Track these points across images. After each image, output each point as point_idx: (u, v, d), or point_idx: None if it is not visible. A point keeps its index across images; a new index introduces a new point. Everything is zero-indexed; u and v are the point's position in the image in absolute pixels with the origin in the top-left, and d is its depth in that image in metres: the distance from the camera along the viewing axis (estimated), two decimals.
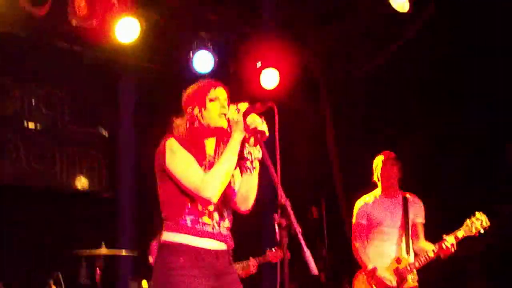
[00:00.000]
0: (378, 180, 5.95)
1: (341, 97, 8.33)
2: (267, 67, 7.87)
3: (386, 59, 7.73)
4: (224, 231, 3.35)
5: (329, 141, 8.47)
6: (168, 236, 3.26)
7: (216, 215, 3.31)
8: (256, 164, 3.34)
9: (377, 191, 5.96)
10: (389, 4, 6.66)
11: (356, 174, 7.79)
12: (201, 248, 3.22)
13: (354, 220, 5.93)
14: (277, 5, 7.05)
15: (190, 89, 3.51)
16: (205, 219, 3.26)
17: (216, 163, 3.24)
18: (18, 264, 6.76)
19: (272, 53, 7.79)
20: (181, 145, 3.28)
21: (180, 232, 3.23)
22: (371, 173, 6.05)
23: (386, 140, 7.48)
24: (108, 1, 6.61)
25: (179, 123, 3.44)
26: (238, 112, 3.20)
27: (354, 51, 7.89)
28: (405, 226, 5.71)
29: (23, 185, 7.23)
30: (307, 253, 2.70)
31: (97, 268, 5.57)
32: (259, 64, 7.92)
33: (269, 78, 7.88)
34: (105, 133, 7.99)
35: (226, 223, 3.39)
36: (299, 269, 2.90)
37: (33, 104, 7.52)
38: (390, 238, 5.74)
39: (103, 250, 5.57)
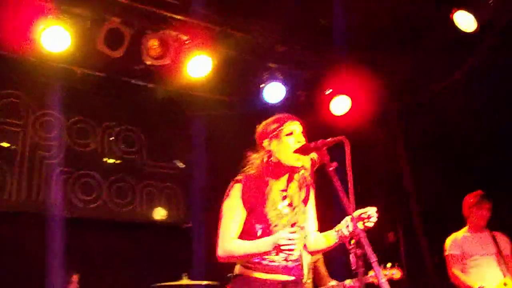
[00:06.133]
0: (467, 218, 6.22)
1: (413, 122, 8.23)
2: (338, 94, 7.90)
3: (457, 82, 7.60)
4: (291, 264, 3.47)
5: (402, 166, 8.38)
6: (239, 269, 3.49)
7: (282, 253, 3.35)
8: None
9: (465, 229, 6.24)
10: (457, 26, 6.58)
11: (431, 198, 7.69)
12: (267, 279, 3.41)
13: (446, 253, 6.17)
14: (346, 32, 7.06)
15: (265, 123, 3.62)
16: (272, 257, 3.41)
17: (247, 245, 3.35)
18: None
19: (342, 80, 7.81)
20: (245, 190, 3.42)
21: (248, 267, 3.43)
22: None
23: (460, 164, 7.36)
24: (180, 40, 6.83)
25: (255, 158, 3.56)
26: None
27: (425, 76, 7.80)
28: (499, 254, 5.98)
29: (105, 219, 7.51)
30: (383, 281, 2.79)
31: None
32: (328, 91, 7.95)
33: (340, 105, 7.91)
34: (181, 165, 8.19)
35: (294, 257, 3.48)
36: None
37: (112, 141, 7.83)
38: (485, 265, 5.96)
39: (185, 281, 5.68)
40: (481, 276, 5.88)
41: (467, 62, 7.39)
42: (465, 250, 6.04)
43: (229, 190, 3.48)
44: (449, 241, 6.21)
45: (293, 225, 3.48)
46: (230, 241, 3.37)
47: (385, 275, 5.43)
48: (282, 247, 3.09)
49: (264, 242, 3.24)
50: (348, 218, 3.32)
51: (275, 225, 3.42)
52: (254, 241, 3.34)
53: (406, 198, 8.34)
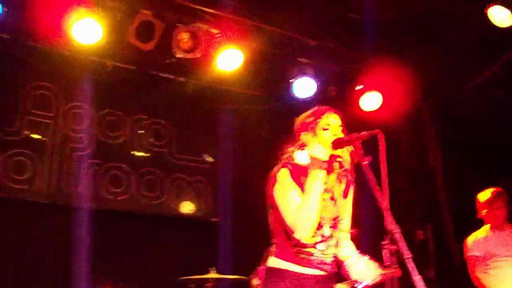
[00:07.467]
0: (485, 217, 5.90)
1: (445, 119, 8.12)
2: (369, 90, 7.82)
3: (490, 78, 7.46)
4: (328, 260, 3.40)
5: (433, 164, 8.27)
6: (274, 262, 3.40)
7: (321, 246, 3.35)
8: None
9: (486, 227, 5.91)
10: (491, 21, 6.47)
11: (463, 197, 7.58)
12: (302, 274, 3.32)
13: (468, 254, 5.87)
14: (378, 28, 6.98)
15: (303, 115, 3.52)
16: (311, 249, 3.33)
17: (305, 199, 3.20)
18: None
19: (374, 76, 7.73)
20: (292, 176, 3.31)
21: (285, 260, 3.35)
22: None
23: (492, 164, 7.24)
24: (211, 33, 6.82)
25: (290, 150, 3.48)
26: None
27: (457, 72, 7.68)
28: None
29: (134, 212, 7.51)
30: (417, 279, 2.68)
31: None
32: (359, 87, 7.88)
33: (371, 101, 7.82)
34: (210, 159, 8.18)
35: (332, 250, 3.42)
36: None
37: (141, 134, 7.84)
38: (507, 267, 5.64)
39: (213, 275, 5.65)
40: (501, 278, 5.60)
41: (501, 57, 7.27)
42: (487, 250, 5.72)
43: (276, 175, 3.36)
44: (469, 241, 5.89)
45: (335, 219, 3.42)
46: (298, 218, 3.20)
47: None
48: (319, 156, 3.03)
49: (310, 175, 3.17)
50: None
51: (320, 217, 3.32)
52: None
53: (436, 195, 8.24)
